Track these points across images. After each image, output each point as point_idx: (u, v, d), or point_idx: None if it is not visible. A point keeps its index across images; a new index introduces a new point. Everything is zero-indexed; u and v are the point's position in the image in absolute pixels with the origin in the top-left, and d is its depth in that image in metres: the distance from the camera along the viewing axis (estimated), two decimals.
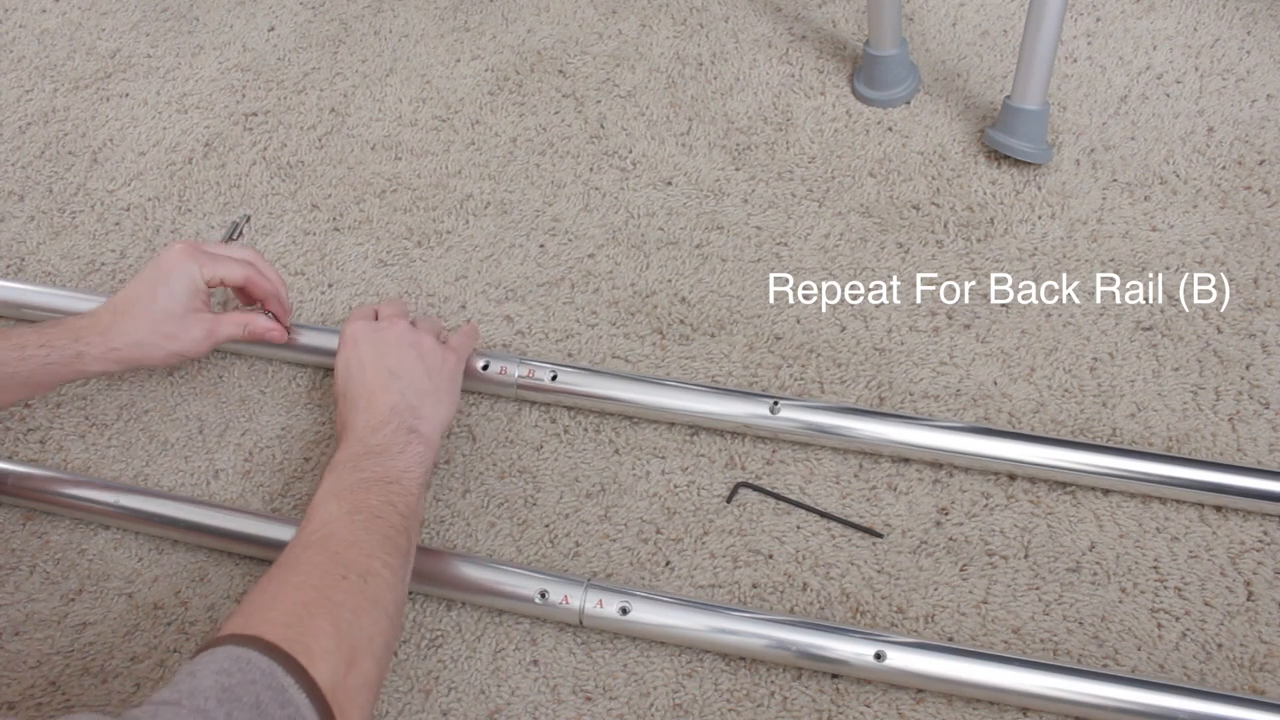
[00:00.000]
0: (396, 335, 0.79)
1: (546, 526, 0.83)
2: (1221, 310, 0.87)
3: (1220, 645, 0.73)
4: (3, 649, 0.81)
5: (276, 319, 0.86)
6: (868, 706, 0.73)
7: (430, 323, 0.84)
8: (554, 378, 0.85)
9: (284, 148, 1.09)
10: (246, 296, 0.86)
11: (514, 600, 0.76)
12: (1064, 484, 0.80)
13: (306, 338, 0.90)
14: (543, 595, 0.75)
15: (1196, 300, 0.87)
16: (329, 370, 0.91)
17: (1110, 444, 0.81)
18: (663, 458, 0.85)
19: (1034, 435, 0.79)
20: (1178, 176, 0.94)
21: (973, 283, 0.91)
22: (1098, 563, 0.77)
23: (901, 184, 0.97)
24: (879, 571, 0.78)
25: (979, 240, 0.93)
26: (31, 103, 1.16)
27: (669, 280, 0.94)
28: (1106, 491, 0.79)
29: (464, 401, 0.88)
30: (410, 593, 0.80)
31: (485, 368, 0.87)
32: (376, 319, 0.83)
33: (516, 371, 0.86)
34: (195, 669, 0.53)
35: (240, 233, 1.03)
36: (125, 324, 0.79)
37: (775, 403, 0.82)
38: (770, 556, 0.79)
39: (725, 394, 0.83)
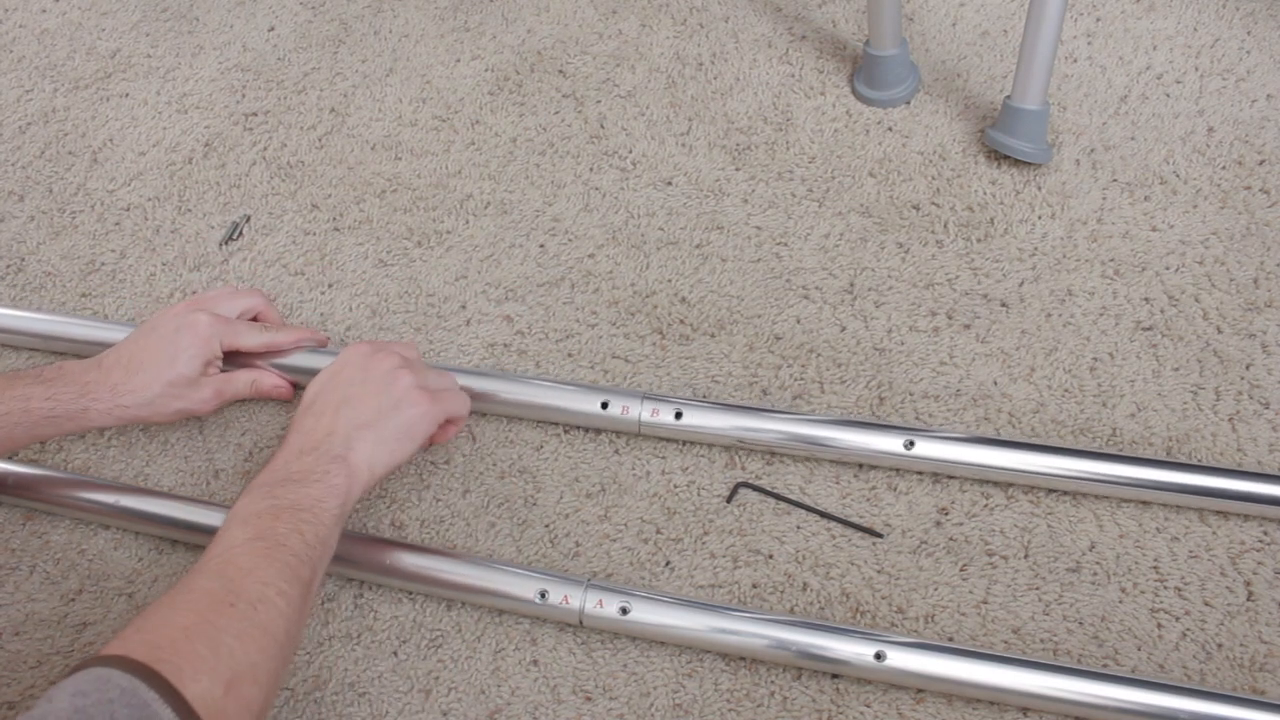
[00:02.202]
0: (381, 370, 0.77)
1: (546, 526, 0.83)
2: (1221, 310, 0.87)
3: (1220, 645, 0.73)
4: (3, 649, 0.81)
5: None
6: (868, 706, 0.73)
7: (437, 376, 0.80)
8: (679, 415, 0.83)
9: (284, 148, 1.09)
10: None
11: (514, 600, 0.76)
12: (1064, 491, 0.80)
13: (298, 360, 0.90)
14: (543, 595, 0.75)
15: (1196, 300, 0.87)
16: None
17: (1110, 445, 0.81)
18: (663, 458, 0.85)
19: (1033, 444, 0.79)
20: (1178, 176, 0.94)
21: (973, 283, 0.91)
22: (1098, 563, 0.77)
23: (901, 184, 0.97)
24: (879, 571, 0.78)
25: (979, 240, 0.93)
26: (31, 103, 1.16)
27: (669, 280, 0.94)
28: (1107, 495, 0.79)
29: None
30: (410, 593, 0.80)
31: (605, 406, 0.84)
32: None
33: (640, 411, 0.84)
34: (54, 693, 0.51)
35: (240, 233, 1.03)
36: (136, 383, 0.80)
37: (910, 440, 0.79)
38: (770, 556, 0.79)
39: (856, 426, 0.81)
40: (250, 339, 0.86)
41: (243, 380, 0.86)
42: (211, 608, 0.59)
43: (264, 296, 0.90)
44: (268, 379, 0.88)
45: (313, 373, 0.87)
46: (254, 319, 0.89)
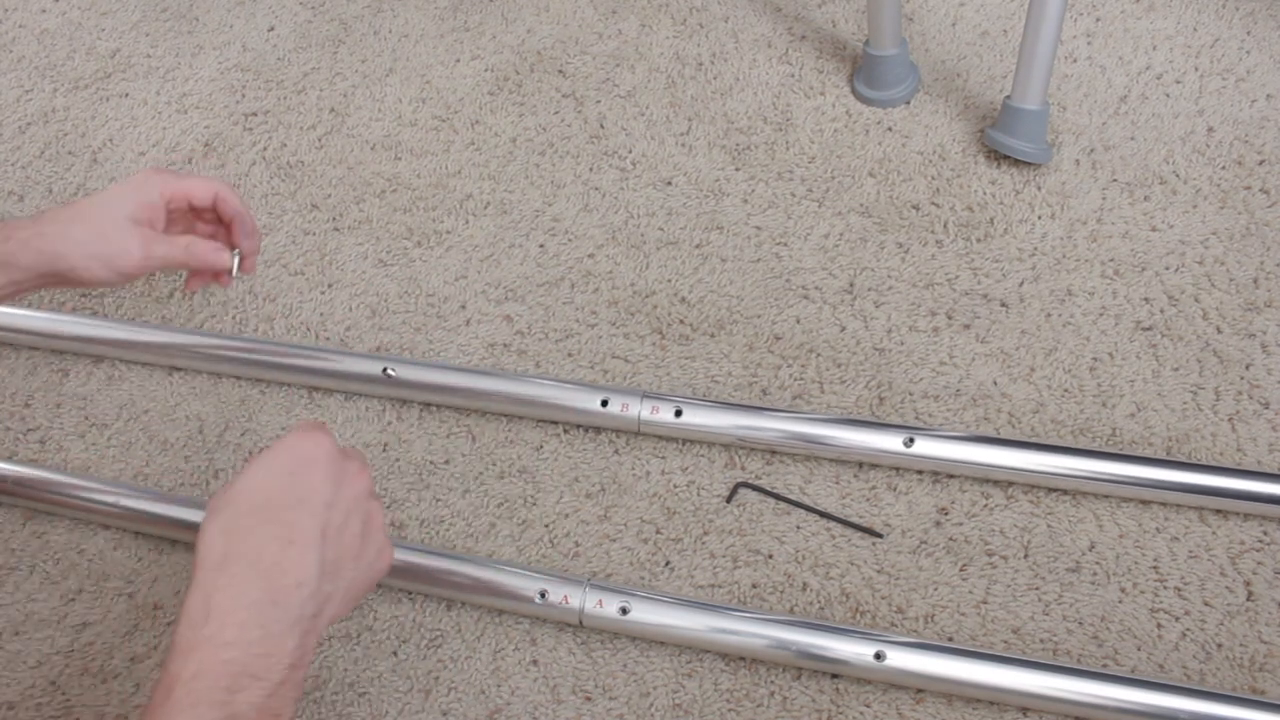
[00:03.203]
0: (357, 490, 0.56)
1: (546, 526, 0.83)
2: (1221, 310, 0.87)
3: (1220, 645, 0.73)
4: (3, 649, 0.81)
5: (243, 256, 0.76)
6: (868, 706, 0.73)
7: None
8: (679, 413, 0.83)
9: (284, 148, 1.09)
10: (213, 221, 0.76)
11: (514, 600, 0.76)
12: (1064, 490, 0.80)
13: (297, 358, 0.91)
14: (543, 595, 0.75)
15: (1196, 300, 0.87)
16: (325, 390, 0.90)
17: (1110, 444, 0.81)
18: (662, 458, 0.85)
19: (1033, 442, 0.79)
20: (1178, 176, 0.94)
21: (973, 283, 0.91)
22: (1098, 563, 0.77)
23: (901, 184, 0.97)
24: (879, 571, 0.78)
25: (979, 240, 0.93)
26: (31, 103, 1.16)
27: (669, 280, 0.94)
28: (1107, 494, 0.79)
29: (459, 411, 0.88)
30: (410, 593, 0.80)
31: (605, 404, 0.84)
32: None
33: (639, 409, 0.83)
34: None
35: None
36: (63, 214, 0.70)
37: (910, 438, 0.79)
38: (770, 556, 0.79)
39: (858, 425, 0.81)
40: (200, 186, 0.73)
41: (176, 243, 0.72)
42: None
43: (228, 185, 0.76)
44: (202, 243, 0.73)
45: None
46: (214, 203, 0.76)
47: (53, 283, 0.72)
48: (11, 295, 0.71)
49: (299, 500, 0.53)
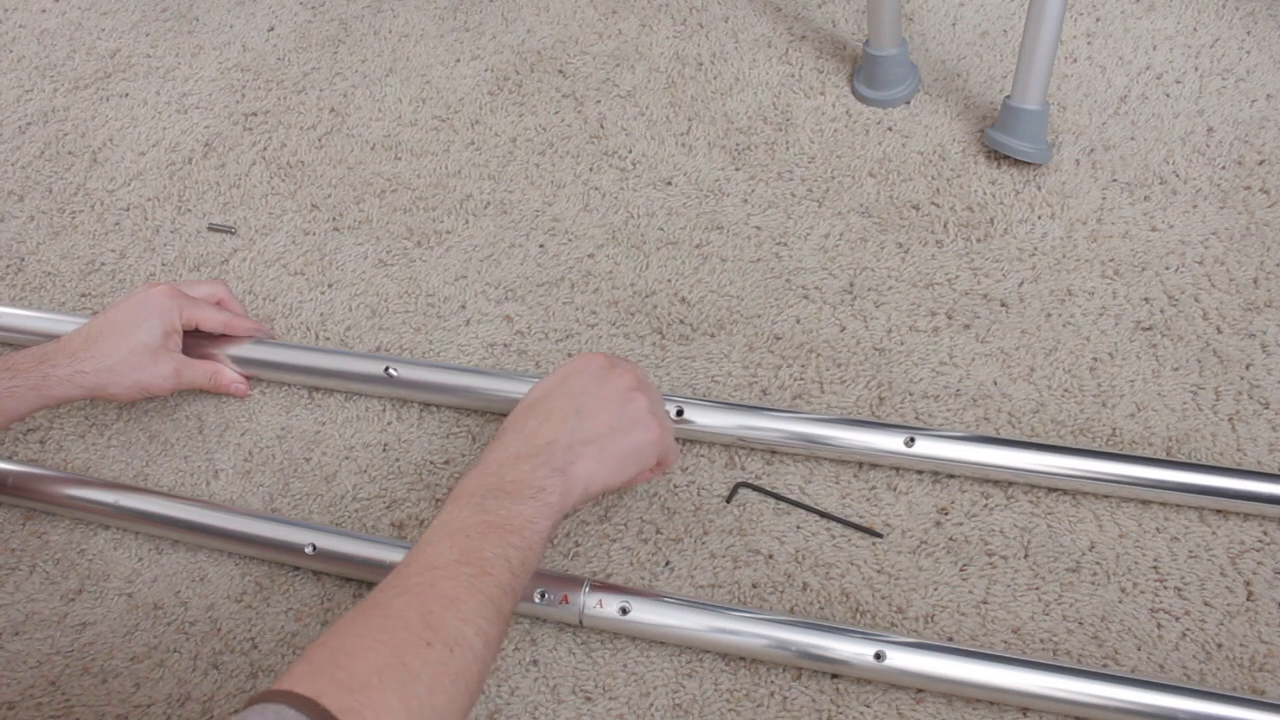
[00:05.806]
0: (618, 387, 0.72)
1: None
2: (1221, 310, 0.87)
3: (1220, 645, 0.73)
4: (3, 649, 0.81)
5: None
6: (868, 706, 0.73)
7: (663, 407, 0.76)
8: (679, 412, 0.82)
9: (284, 148, 1.09)
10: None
11: None
12: (1064, 490, 0.80)
13: (298, 358, 0.91)
14: (542, 595, 0.75)
15: (1196, 300, 0.87)
16: (325, 390, 0.90)
17: (1110, 445, 0.81)
18: None
19: (1033, 442, 0.79)
20: (1178, 176, 0.94)
21: (973, 283, 0.91)
22: (1098, 563, 0.77)
23: (901, 184, 0.97)
24: (879, 571, 0.78)
25: (979, 240, 0.93)
26: (31, 103, 1.16)
27: (669, 280, 0.94)
28: (1107, 494, 0.79)
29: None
30: None
31: None
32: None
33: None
34: None
35: (233, 232, 1.03)
36: (96, 350, 0.81)
37: (911, 438, 0.79)
38: (770, 556, 0.79)
39: (857, 424, 0.81)
40: (209, 316, 0.88)
41: (202, 370, 0.88)
42: (407, 645, 0.55)
43: (226, 286, 0.92)
44: (227, 374, 0.90)
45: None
46: (216, 304, 0.90)
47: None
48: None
49: (560, 394, 0.71)
